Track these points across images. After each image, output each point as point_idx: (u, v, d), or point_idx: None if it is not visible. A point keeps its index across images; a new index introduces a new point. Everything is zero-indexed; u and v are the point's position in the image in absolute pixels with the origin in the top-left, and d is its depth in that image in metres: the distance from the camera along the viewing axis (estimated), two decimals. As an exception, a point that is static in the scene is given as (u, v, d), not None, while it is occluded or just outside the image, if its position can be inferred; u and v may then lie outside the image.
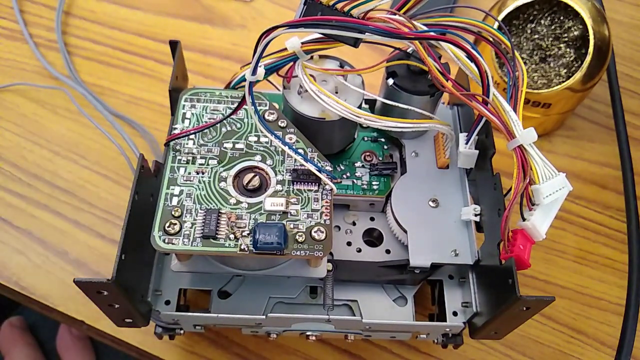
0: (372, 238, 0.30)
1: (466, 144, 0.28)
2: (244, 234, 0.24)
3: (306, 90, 0.26)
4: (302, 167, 0.26)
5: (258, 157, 0.26)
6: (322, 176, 0.25)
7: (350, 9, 0.23)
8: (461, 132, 0.30)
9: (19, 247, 0.34)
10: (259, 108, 0.27)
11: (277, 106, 0.28)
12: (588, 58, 0.35)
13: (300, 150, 0.26)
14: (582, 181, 0.39)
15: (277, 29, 0.22)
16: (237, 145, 0.26)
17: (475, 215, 0.28)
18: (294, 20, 0.22)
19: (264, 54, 0.24)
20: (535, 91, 0.36)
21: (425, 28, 0.24)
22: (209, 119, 0.27)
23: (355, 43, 0.23)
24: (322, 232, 0.24)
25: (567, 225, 0.37)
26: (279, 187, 0.25)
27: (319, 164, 0.26)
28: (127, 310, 0.24)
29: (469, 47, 0.24)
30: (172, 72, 0.28)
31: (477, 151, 0.28)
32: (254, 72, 0.23)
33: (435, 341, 0.29)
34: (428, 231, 0.28)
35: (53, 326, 0.42)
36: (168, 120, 0.29)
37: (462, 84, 0.26)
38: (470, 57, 0.24)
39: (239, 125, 0.27)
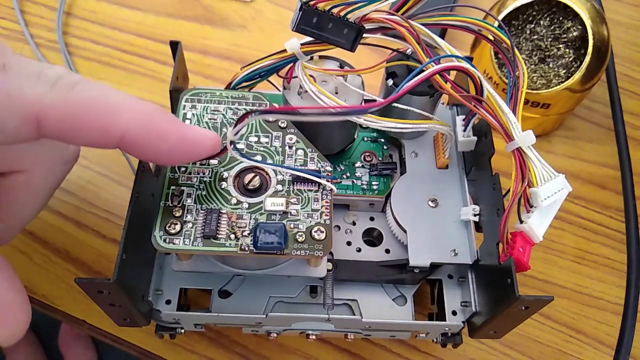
0: (372, 238, 0.30)
1: (464, 130, 0.29)
2: (244, 233, 0.24)
3: (306, 91, 0.26)
4: (302, 168, 0.26)
5: (258, 157, 0.26)
6: (321, 181, 0.25)
7: (346, 13, 0.23)
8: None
9: (20, 247, 0.35)
10: (259, 108, 0.28)
11: (277, 106, 0.28)
12: (587, 58, 0.35)
13: (300, 151, 0.26)
14: (581, 181, 0.39)
15: (254, 113, 0.23)
16: (237, 146, 0.26)
17: (475, 215, 0.28)
18: (272, 109, 0.24)
19: (263, 56, 0.24)
20: (535, 91, 0.37)
21: (424, 28, 0.24)
22: (210, 119, 0.27)
23: (351, 47, 0.23)
24: (322, 232, 0.24)
25: (566, 225, 0.37)
26: (279, 187, 0.25)
27: (319, 164, 0.26)
28: (128, 310, 0.24)
29: (468, 67, 0.24)
30: (173, 72, 0.28)
31: (476, 137, 0.29)
32: (236, 134, 0.23)
33: (435, 340, 0.30)
34: (427, 231, 0.28)
35: (55, 325, 0.42)
36: (169, 121, 0.29)
37: (461, 85, 0.26)
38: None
39: (239, 126, 0.27)
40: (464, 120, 0.29)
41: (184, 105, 0.27)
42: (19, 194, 0.25)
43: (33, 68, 0.19)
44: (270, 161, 0.26)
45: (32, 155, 0.24)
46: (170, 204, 0.24)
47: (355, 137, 0.31)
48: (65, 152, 0.26)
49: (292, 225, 0.24)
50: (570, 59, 0.37)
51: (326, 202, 0.25)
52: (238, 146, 0.26)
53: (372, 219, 0.31)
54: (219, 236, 0.24)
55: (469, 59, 0.27)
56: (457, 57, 0.25)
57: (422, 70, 0.24)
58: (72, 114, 0.19)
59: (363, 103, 0.30)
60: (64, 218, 0.36)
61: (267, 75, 0.28)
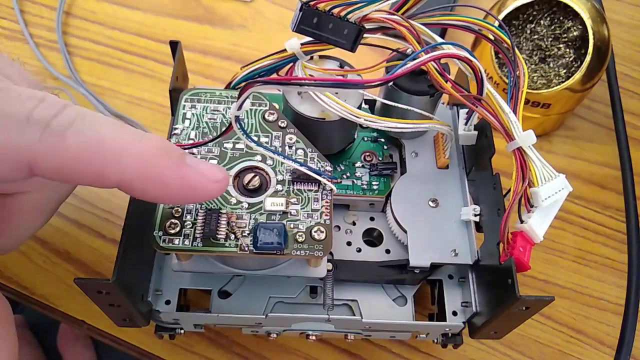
0: (372, 238, 0.30)
1: (465, 124, 0.29)
2: (244, 233, 0.24)
3: (306, 91, 0.26)
4: (304, 164, 0.26)
5: (258, 157, 0.26)
6: (321, 179, 0.25)
7: (346, 13, 0.23)
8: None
9: (20, 247, 0.34)
10: (259, 108, 0.28)
11: (277, 106, 0.28)
12: (587, 58, 0.35)
13: (299, 151, 0.26)
14: (582, 181, 0.39)
15: (257, 84, 0.22)
16: (237, 146, 0.26)
17: (475, 215, 0.28)
18: (271, 79, 0.24)
19: (263, 56, 0.24)
20: (535, 91, 0.37)
21: (424, 28, 0.24)
22: (209, 119, 0.27)
23: (352, 47, 0.23)
24: (322, 232, 0.24)
25: (566, 225, 0.37)
26: (279, 187, 0.25)
27: (319, 164, 0.26)
28: (127, 310, 0.24)
29: (465, 54, 0.24)
30: (173, 72, 0.28)
31: (477, 132, 0.29)
32: (239, 108, 0.23)
33: (435, 341, 0.29)
34: (428, 231, 0.28)
35: (54, 325, 0.42)
36: (168, 121, 0.29)
37: (462, 84, 0.26)
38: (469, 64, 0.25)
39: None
40: (466, 113, 0.29)
41: (184, 105, 0.27)
42: (24, 212, 0.25)
43: (22, 107, 0.18)
44: (270, 162, 0.26)
45: (36, 178, 0.24)
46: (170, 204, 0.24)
47: (355, 137, 0.31)
48: None
49: (292, 225, 0.24)
50: (571, 59, 0.37)
51: (326, 202, 0.25)
52: (238, 146, 0.26)
53: (372, 219, 0.31)
54: (219, 236, 0.23)
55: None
56: (457, 45, 0.24)
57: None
58: (64, 161, 0.18)
59: (363, 103, 0.30)
60: (64, 218, 0.35)
61: (267, 75, 0.28)
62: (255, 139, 0.26)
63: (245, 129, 0.27)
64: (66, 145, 0.18)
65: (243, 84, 0.28)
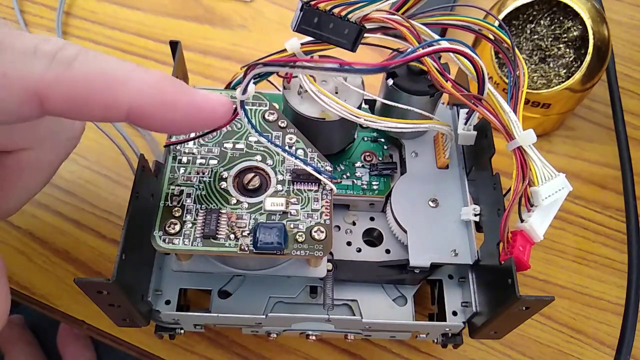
0: (372, 238, 0.30)
1: (465, 124, 0.28)
2: (244, 233, 0.24)
3: (306, 91, 0.26)
4: (304, 160, 0.26)
5: (258, 157, 0.26)
6: (322, 177, 0.25)
7: (347, 13, 0.23)
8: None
9: (19, 247, 0.34)
10: (259, 108, 0.28)
11: (277, 106, 0.28)
12: (587, 58, 0.35)
13: (300, 151, 0.26)
14: (582, 181, 0.39)
15: (258, 66, 0.22)
16: (237, 146, 0.26)
17: (475, 215, 0.28)
18: (276, 59, 0.23)
19: (263, 56, 0.24)
20: (535, 91, 0.37)
21: (425, 28, 0.24)
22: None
23: (352, 47, 0.23)
24: (322, 232, 0.24)
25: (566, 225, 0.37)
26: (279, 187, 0.25)
27: (319, 164, 0.26)
28: (127, 310, 0.24)
29: (467, 50, 0.24)
30: (173, 72, 0.28)
31: (476, 132, 0.28)
32: (244, 92, 0.23)
33: (435, 341, 0.29)
34: (428, 231, 0.28)
35: (54, 325, 0.42)
36: (168, 121, 0.29)
37: (462, 84, 0.26)
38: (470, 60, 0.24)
39: (239, 126, 0.27)
40: (466, 113, 0.29)
41: (184, 105, 0.27)
42: (25, 171, 0.25)
43: (28, 43, 0.18)
44: (270, 162, 0.26)
45: (37, 133, 0.23)
46: (170, 204, 0.24)
47: (355, 137, 0.31)
48: (71, 128, 0.25)
49: (292, 225, 0.24)
50: (571, 59, 0.37)
51: (326, 202, 0.25)
52: (238, 146, 0.26)
53: (372, 219, 0.31)
54: (219, 236, 0.23)
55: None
56: (459, 41, 0.24)
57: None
58: (73, 91, 0.18)
59: (363, 103, 0.30)
60: (63, 218, 0.35)
61: (267, 75, 0.28)
62: (259, 129, 0.26)
63: (245, 129, 0.27)
64: (74, 75, 0.18)
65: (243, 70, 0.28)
